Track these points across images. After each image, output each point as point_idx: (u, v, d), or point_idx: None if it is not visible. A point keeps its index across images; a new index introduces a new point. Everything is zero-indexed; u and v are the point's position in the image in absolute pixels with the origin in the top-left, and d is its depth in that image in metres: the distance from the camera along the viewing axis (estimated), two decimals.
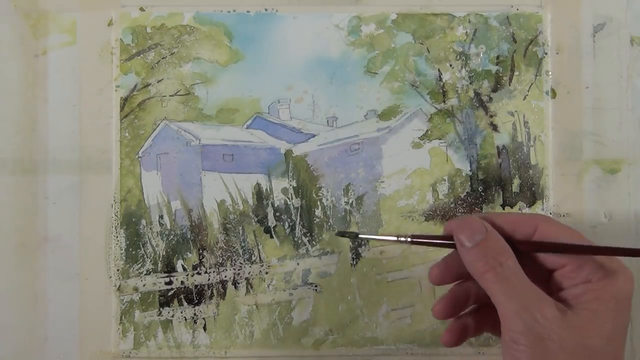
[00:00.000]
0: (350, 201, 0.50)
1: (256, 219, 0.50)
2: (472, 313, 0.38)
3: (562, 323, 0.31)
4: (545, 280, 0.35)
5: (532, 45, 0.51)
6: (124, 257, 0.49)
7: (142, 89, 0.50)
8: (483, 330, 0.38)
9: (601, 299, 0.31)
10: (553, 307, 0.31)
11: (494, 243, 0.33)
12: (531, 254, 0.34)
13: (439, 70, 0.51)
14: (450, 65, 0.51)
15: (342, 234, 0.44)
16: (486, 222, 0.34)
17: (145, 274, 0.49)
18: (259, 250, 0.50)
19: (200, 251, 0.50)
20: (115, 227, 0.49)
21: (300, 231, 0.50)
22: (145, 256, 0.49)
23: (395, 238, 0.37)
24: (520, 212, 0.43)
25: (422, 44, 0.51)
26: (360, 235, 0.40)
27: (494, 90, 0.51)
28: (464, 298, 0.37)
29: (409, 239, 0.36)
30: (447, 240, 0.35)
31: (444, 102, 0.50)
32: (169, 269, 0.49)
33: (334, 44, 0.50)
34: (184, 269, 0.50)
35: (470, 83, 0.50)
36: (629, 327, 0.49)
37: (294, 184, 0.50)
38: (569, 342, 0.30)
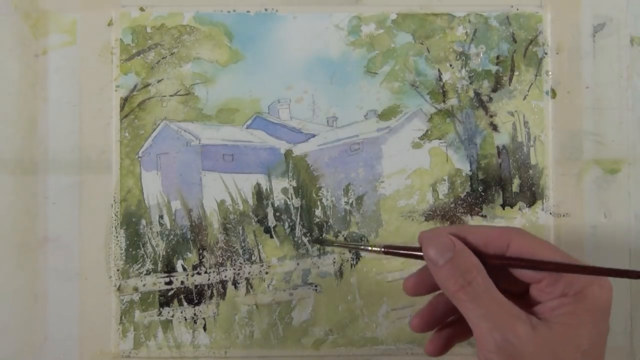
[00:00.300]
0: (350, 201, 0.50)
1: (256, 219, 0.50)
2: (457, 320, 0.37)
3: (535, 339, 0.30)
4: (523, 293, 0.34)
5: (532, 45, 0.51)
6: (124, 257, 0.49)
7: (142, 89, 0.50)
8: (469, 336, 0.38)
9: (576, 313, 0.31)
10: (526, 324, 0.31)
11: (462, 260, 0.33)
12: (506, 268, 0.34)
13: (439, 70, 0.51)
14: (450, 65, 0.51)
15: (318, 241, 0.45)
16: (455, 238, 0.34)
17: (145, 274, 0.49)
18: (259, 250, 0.50)
19: (200, 251, 0.50)
20: (115, 227, 0.49)
21: (300, 231, 0.50)
22: (145, 256, 0.49)
23: (369, 248, 0.38)
24: (494, 225, 0.42)
25: (422, 44, 0.51)
26: (335, 244, 0.41)
27: (494, 90, 0.51)
28: (443, 310, 0.37)
29: (382, 249, 0.37)
30: (420, 252, 0.35)
31: (444, 102, 0.50)
32: (169, 269, 0.49)
33: (334, 44, 0.50)
34: (184, 269, 0.50)
35: (470, 83, 0.50)
36: (629, 327, 0.49)
37: (294, 184, 0.50)
38: (541, 358, 0.30)
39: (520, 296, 0.34)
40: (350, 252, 0.49)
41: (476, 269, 0.33)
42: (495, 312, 0.31)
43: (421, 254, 0.35)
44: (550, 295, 0.32)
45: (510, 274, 0.34)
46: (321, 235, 0.49)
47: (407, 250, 0.37)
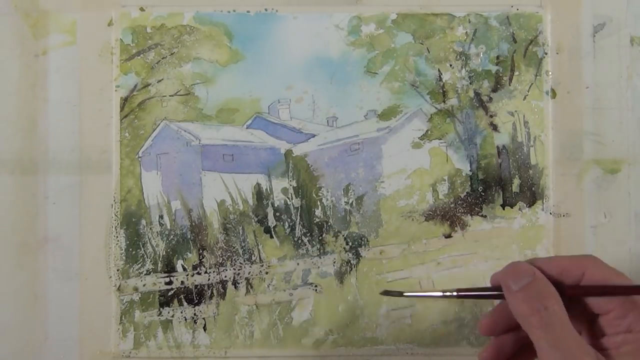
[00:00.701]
0: (350, 201, 0.50)
1: (256, 219, 0.50)
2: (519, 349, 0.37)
3: None
4: (589, 323, 0.34)
5: (532, 45, 0.51)
6: (124, 257, 0.49)
7: (142, 89, 0.50)
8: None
9: None
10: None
11: (541, 286, 0.33)
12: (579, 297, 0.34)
13: (439, 70, 0.51)
14: (450, 65, 0.51)
15: (386, 293, 0.45)
16: (534, 267, 0.34)
17: (145, 274, 0.49)
18: (259, 250, 0.50)
19: (200, 251, 0.50)
20: (115, 227, 0.49)
21: (300, 231, 0.50)
22: (145, 256, 0.49)
23: (441, 294, 0.37)
24: (568, 255, 0.42)
25: (422, 44, 0.51)
26: (405, 294, 0.41)
27: (494, 90, 0.51)
28: (511, 346, 0.37)
29: (454, 294, 0.37)
30: (494, 291, 0.35)
31: (444, 102, 0.50)
32: (169, 269, 0.49)
33: (334, 44, 0.50)
34: (184, 269, 0.50)
35: (470, 83, 0.50)
36: None
37: (294, 184, 0.50)
38: None
39: (586, 328, 0.34)
40: (351, 251, 0.49)
41: (554, 297, 0.32)
42: (566, 343, 0.31)
43: (494, 293, 0.35)
44: (616, 328, 0.32)
45: (578, 303, 0.34)
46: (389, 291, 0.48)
47: (480, 291, 0.37)
